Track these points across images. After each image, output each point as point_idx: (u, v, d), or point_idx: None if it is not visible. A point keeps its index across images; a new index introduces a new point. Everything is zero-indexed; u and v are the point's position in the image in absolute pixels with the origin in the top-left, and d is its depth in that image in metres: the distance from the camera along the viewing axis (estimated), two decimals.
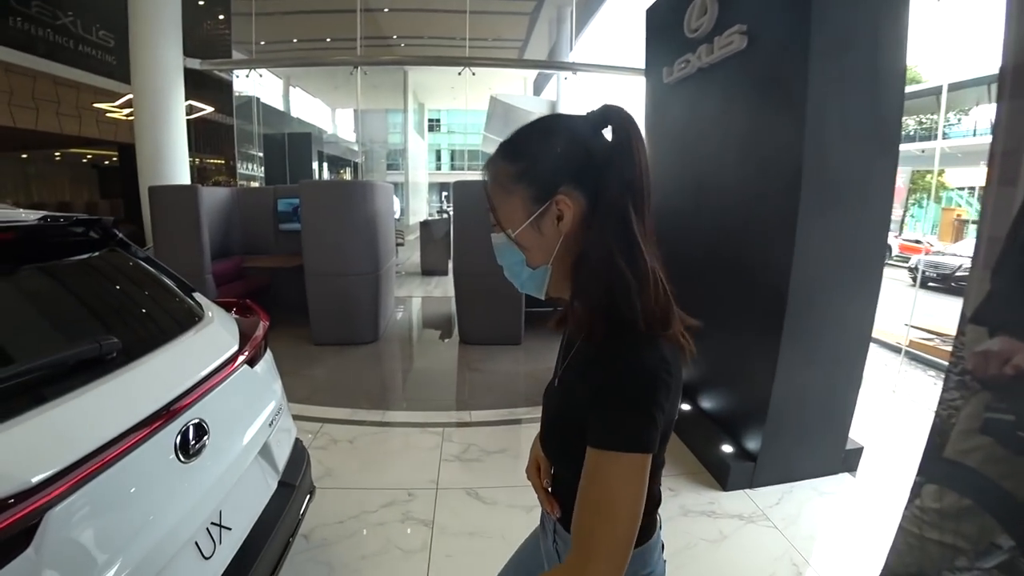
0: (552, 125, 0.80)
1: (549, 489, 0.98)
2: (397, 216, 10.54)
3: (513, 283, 0.88)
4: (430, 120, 30.06)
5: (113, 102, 10.10)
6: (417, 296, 7.60)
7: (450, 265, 8.94)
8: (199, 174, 14.29)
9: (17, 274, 1.44)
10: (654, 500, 0.87)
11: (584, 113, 0.79)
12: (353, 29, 11.68)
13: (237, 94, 12.39)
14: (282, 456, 1.88)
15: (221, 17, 12.11)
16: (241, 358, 1.68)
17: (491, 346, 5.11)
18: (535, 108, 15.29)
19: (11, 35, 8.47)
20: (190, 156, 13.45)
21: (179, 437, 1.32)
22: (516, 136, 0.81)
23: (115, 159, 13.07)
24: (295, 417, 3.67)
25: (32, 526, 0.96)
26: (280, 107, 15.98)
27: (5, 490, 0.94)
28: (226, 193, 6.18)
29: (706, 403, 3.33)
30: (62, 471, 1.02)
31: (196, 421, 1.39)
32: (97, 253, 1.69)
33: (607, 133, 0.77)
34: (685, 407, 3.31)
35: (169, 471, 1.29)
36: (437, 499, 2.72)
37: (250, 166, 13.72)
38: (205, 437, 1.40)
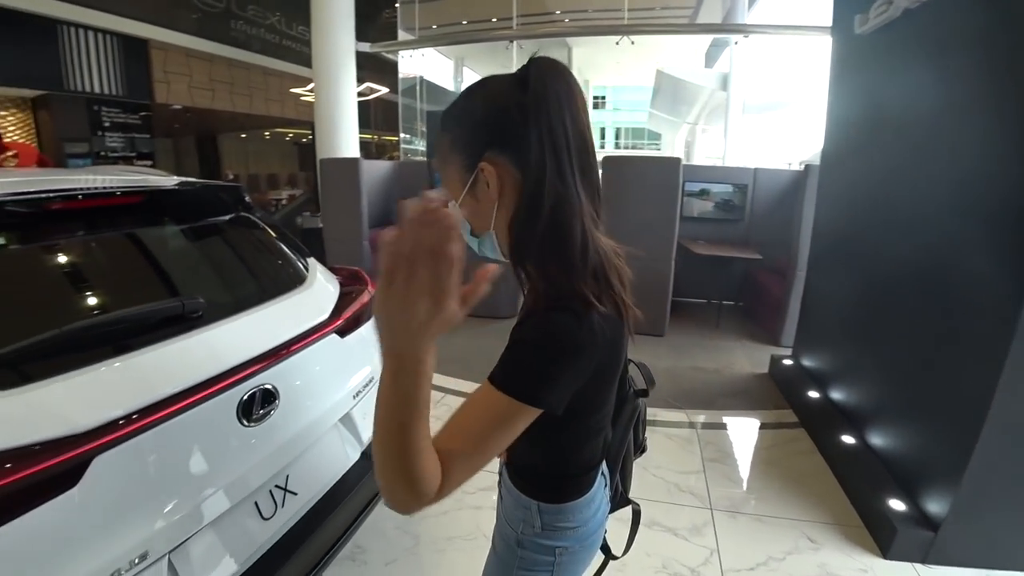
0: (474, 89, 0.78)
1: None
2: None
3: (472, 249, 0.82)
4: (595, 97, 29.32)
5: (305, 87, 11.35)
6: None
7: None
8: (377, 149, 15.62)
9: (140, 235, 1.57)
10: (584, 465, 0.90)
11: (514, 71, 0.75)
12: (517, 7, 11.79)
13: (403, 76, 13.26)
14: (368, 428, 1.89)
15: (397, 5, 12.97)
16: (330, 327, 1.68)
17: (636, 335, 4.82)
18: (705, 81, 14.07)
19: (233, 36, 10.46)
20: (369, 133, 14.72)
21: (244, 400, 1.34)
22: (450, 105, 0.80)
23: (309, 137, 14.83)
24: None
25: (79, 467, 1.03)
26: (447, 87, 16.68)
27: (58, 431, 1.02)
28: (387, 166, 6.60)
29: (876, 438, 2.66)
30: (112, 421, 1.08)
31: (266, 386, 1.40)
32: (226, 217, 1.81)
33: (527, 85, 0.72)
34: (848, 439, 2.76)
35: (228, 433, 1.32)
36: None
37: (417, 141, 14.64)
38: (274, 402, 1.42)
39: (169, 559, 1.20)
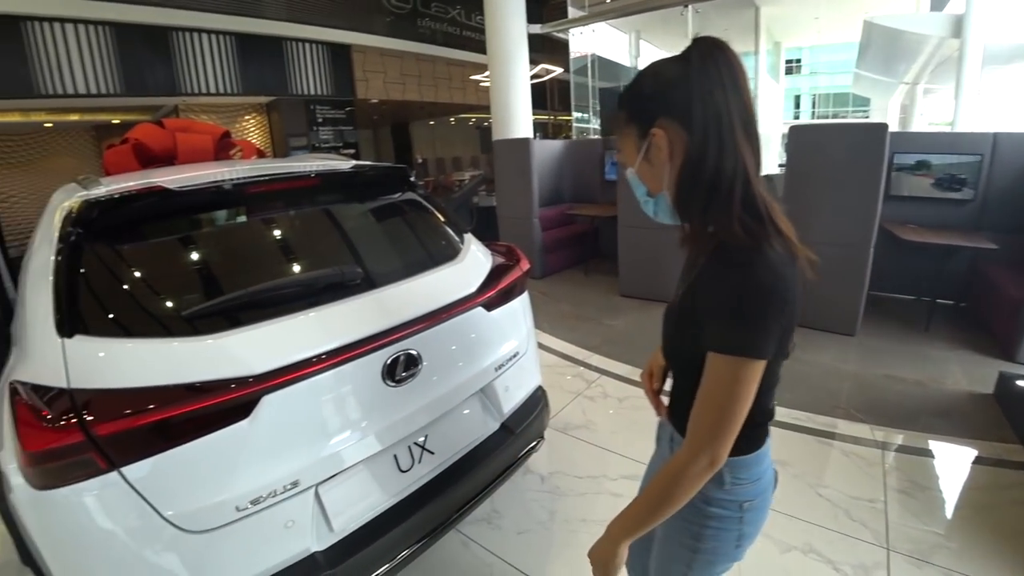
0: (645, 71, 0.91)
1: (660, 395, 1.17)
2: None
3: (647, 214, 1.00)
4: (788, 61, 26.06)
5: (483, 73, 11.89)
6: None
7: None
8: (552, 129, 15.83)
9: (316, 211, 1.79)
10: (767, 412, 0.96)
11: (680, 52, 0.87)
12: None
13: (575, 54, 13.10)
14: (509, 401, 1.90)
15: None
16: (475, 301, 1.72)
17: (818, 332, 4.10)
18: (929, 28, 11.53)
19: (420, 32, 11.49)
20: (545, 114, 14.98)
21: (389, 362, 1.46)
22: (626, 87, 0.94)
23: (490, 121, 15.64)
24: (580, 363, 3.80)
25: (252, 403, 1.24)
26: (623, 62, 16.15)
27: (238, 372, 1.23)
28: (559, 145, 6.60)
29: None
30: (280, 368, 1.27)
31: (410, 351, 1.50)
32: (392, 197, 1.94)
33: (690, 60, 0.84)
34: None
35: (375, 390, 1.45)
36: None
37: (589, 119, 14.46)
38: (417, 367, 1.52)
39: (316, 491, 1.38)
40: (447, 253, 1.87)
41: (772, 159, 21.41)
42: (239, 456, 1.24)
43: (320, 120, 10.56)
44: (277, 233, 1.72)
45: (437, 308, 1.60)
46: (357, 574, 1.42)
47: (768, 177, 8.19)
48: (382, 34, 10.85)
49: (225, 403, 1.21)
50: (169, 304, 1.39)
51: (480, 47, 12.12)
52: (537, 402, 2.06)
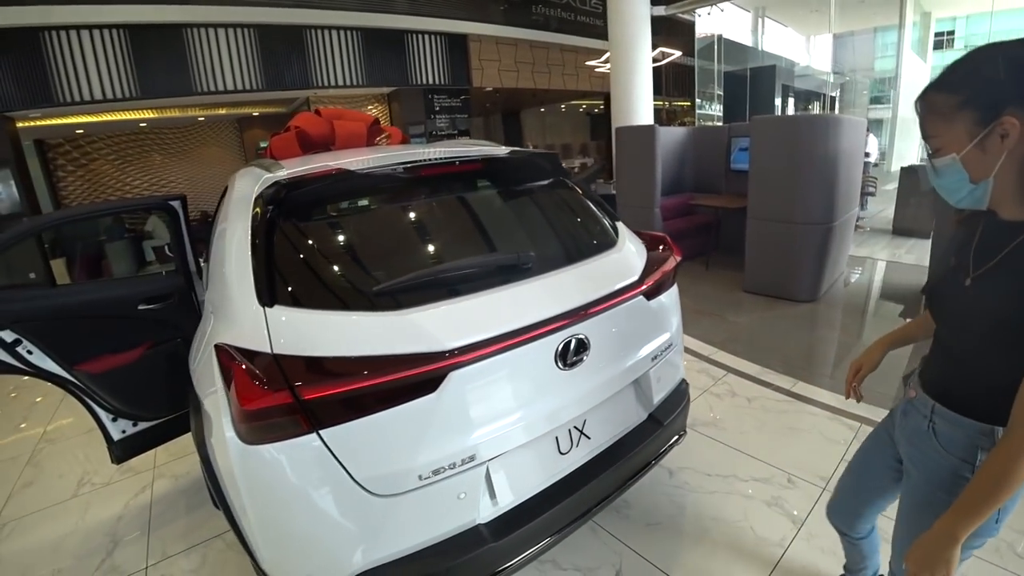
0: (989, 54, 0.90)
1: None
2: (874, 160, 8.82)
3: (948, 200, 1.02)
4: (939, 34, 22.99)
5: (599, 58, 11.67)
6: (880, 259, 6.25)
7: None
8: (668, 117, 15.28)
9: (482, 195, 1.87)
10: None
11: (1018, 39, 0.87)
12: None
13: (700, 35, 12.45)
14: (659, 392, 1.90)
15: None
16: (637, 290, 1.72)
17: None
18: None
19: (534, 19, 11.54)
20: (660, 99, 14.47)
21: (561, 347, 1.51)
22: (951, 70, 0.94)
23: (601, 107, 15.42)
24: (704, 359, 3.69)
25: (440, 377, 1.32)
26: (746, 42, 15.18)
27: (430, 347, 1.31)
28: (682, 132, 6.38)
29: None
30: (467, 346, 1.34)
31: (581, 336, 1.54)
32: (546, 182, 1.98)
33: None
34: None
35: (547, 372, 1.51)
36: (820, 499, 2.28)
37: (712, 107, 13.74)
38: (584, 352, 1.55)
39: (487, 467, 1.46)
40: (607, 241, 1.88)
41: (913, 148, 19.32)
42: (425, 428, 1.33)
43: (437, 108, 10.97)
44: (448, 215, 1.80)
45: (605, 295, 1.62)
46: (514, 549, 1.48)
47: (910, 168, 7.41)
48: (497, 22, 11.03)
49: (417, 376, 1.29)
50: (358, 279, 1.51)
51: (594, 32, 12.00)
52: (682, 396, 2.04)
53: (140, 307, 2.24)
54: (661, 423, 1.85)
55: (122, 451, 2.33)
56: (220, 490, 1.45)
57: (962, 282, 1.03)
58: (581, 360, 1.56)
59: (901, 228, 7.30)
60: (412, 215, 1.75)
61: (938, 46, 24.95)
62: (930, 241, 6.78)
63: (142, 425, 2.36)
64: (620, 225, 2.01)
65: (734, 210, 5.43)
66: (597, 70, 12.29)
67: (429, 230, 1.73)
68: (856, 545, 1.60)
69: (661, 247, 2.04)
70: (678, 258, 1.98)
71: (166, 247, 2.86)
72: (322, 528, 1.30)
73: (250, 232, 1.49)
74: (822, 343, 4.01)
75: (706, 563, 2.01)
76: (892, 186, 10.45)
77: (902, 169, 7.41)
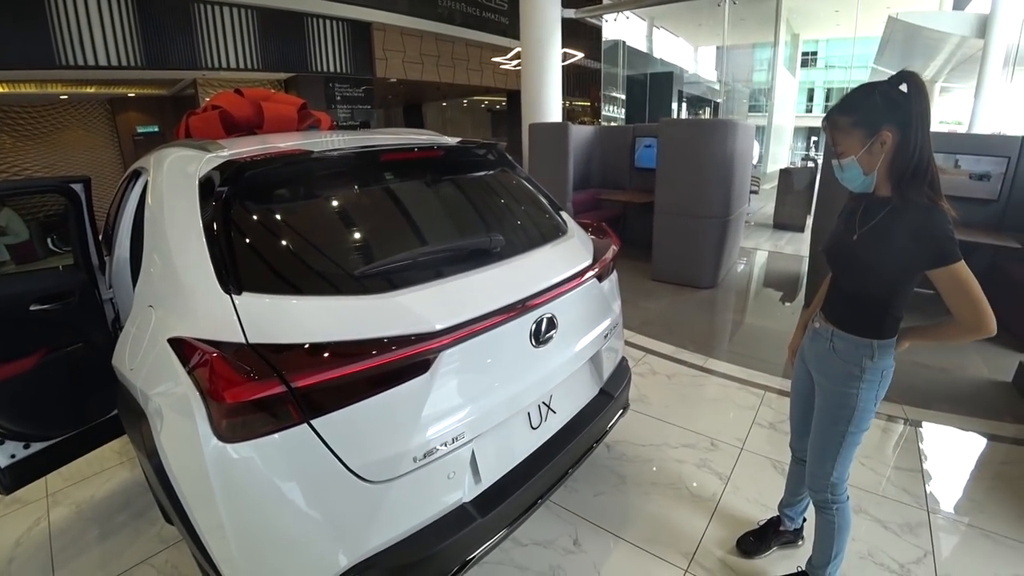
0: (869, 90, 1.35)
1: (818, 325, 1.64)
2: (755, 161, 9.75)
3: (848, 186, 1.48)
4: (804, 54, 25.75)
5: (504, 55, 11.85)
6: (764, 250, 6.99)
7: (809, 221, 7.95)
8: (568, 116, 15.82)
9: (440, 182, 1.88)
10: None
11: (887, 79, 1.34)
12: None
13: (605, 40, 13.07)
14: (608, 368, 2.04)
15: None
16: (591, 272, 1.83)
17: None
18: (953, 27, 11.64)
19: (438, 12, 11.43)
20: (562, 99, 14.97)
21: (535, 325, 1.58)
22: (848, 100, 1.40)
23: (503, 104, 15.60)
24: (625, 342, 3.93)
25: (431, 359, 1.33)
26: (644, 49, 16.11)
27: (419, 328, 1.31)
28: (590, 131, 6.68)
29: None
30: (455, 326, 1.36)
31: (550, 315, 1.62)
32: (492, 172, 2.03)
33: (903, 87, 1.31)
34: None
35: (522, 350, 1.58)
36: (739, 459, 2.57)
37: (612, 108, 14.44)
38: (553, 331, 1.64)
39: (473, 446, 1.47)
40: (559, 227, 1.97)
41: (784, 152, 21.51)
42: (418, 410, 1.33)
43: (338, 98, 10.48)
44: (412, 201, 1.77)
45: (567, 276, 1.70)
46: (497, 524, 1.52)
47: (787, 171, 8.32)
48: (403, 12, 10.78)
49: (409, 359, 1.28)
50: (337, 263, 1.43)
51: (498, 28, 12.13)
52: (625, 372, 2.19)
53: (33, 308, 1.95)
54: (612, 396, 1.98)
55: (12, 479, 1.97)
56: (177, 501, 1.30)
57: (851, 239, 1.47)
58: (551, 338, 1.64)
59: (780, 222, 8.18)
60: (378, 200, 1.72)
61: (804, 64, 27.91)
62: (804, 234, 7.68)
63: (36, 447, 2.01)
64: (564, 214, 2.12)
65: (639, 205, 5.79)
66: (502, 67, 12.44)
67: (396, 215, 1.71)
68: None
69: (600, 235, 2.18)
70: (617, 246, 2.10)
71: (50, 239, 2.46)
72: (310, 525, 1.22)
73: (200, 216, 1.38)
74: (724, 323, 4.47)
75: (653, 522, 2.18)
76: (770, 185, 11.65)
77: (781, 171, 8.27)
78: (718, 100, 18.31)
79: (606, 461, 2.58)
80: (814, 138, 21.64)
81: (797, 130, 24.64)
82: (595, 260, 1.88)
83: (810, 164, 8.49)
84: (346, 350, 1.23)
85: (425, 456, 1.33)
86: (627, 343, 3.91)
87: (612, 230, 2.24)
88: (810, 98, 31.61)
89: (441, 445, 1.36)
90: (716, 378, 3.37)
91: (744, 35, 17.43)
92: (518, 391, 1.56)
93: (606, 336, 1.95)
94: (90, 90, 9.52)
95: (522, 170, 2.17)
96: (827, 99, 31.82)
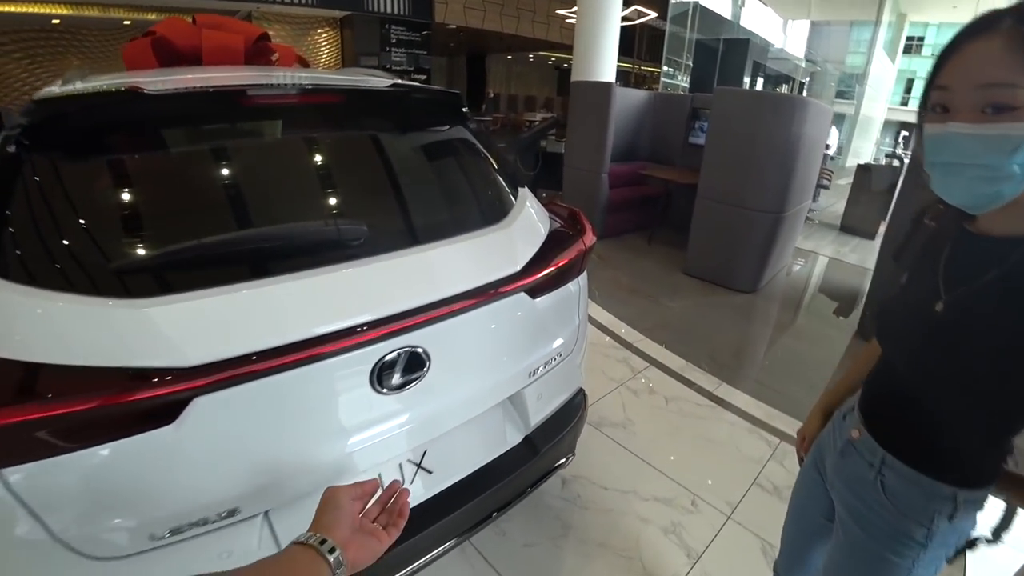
0: None
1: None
2: (831, 153, 8.65)
3: (971, 190, 0.69)
4: (909, 38, 22.97)
5: (568, 8, 10.95)
6: (824, 255, 6.11)
7: (882, 228, 6.96)
8: (636, 80, 14.75)
9: (345, 137, 1.33)
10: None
11: None
12: None
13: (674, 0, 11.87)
14: (541, 411, 1.47)
15: None
16: (516, 285, 1.25)
17: None
18: None
19: None
20: (630, 62, 13.84)
21: (383, 362, 1.05)
22: None
23: (570, 63, 14.72)
24: (628, 347, 3.35)
25: (180, 404, 0.87)
26: (724, 14, 14.66)
27: (169, 360, 0.86)
28: (642, 96, 5.92)
29: None
30: (225, 360, 0.89)
31: (416, 349, 1.08)
32: (442, 129, 1.49)
33: None
34: None
35: (358, 396, 1.05)
36: (721, 531, 1.99)
37: (680, 75, 13.26)
38: (422, 370, 1.10)
39: (267, 516, 1.04)
40: (493, 212, 1.39)
41: (869, 147, 19.54)
42: (158, 471, 0.89)
43: (394, 41, 10.08)
44: (271, 164, 1.24)
45: (464, 291, 1.14)
46: None
47: (866, 167, 7.27)
48: None
49: (144, 401, 0.84)
50: (94, 250, 0.96)
51: None
52: (575, 412, 1.63)
53: None
54: (538, 450, 1.44)
55: None
56: None
57: (930, 305, 0.81)
58: (416, 380, 1.11)
59: (848, 225, 7.19)
60: (213, 161, 1.17)
61: (907, 50, 25.05)
62: (874, 242, 6.72)
63: None
64: (524, 194, 1.51)
65: (685, 186, 5.08)
66: (567, 20, 11.59)
67: (229, 185, 1.16)
68: None
69: (571, 225, 1.56)
70: (588, 242, 1.50)
71: None
72: None
73: None
74: (754, 340, 3.73)
75: None
76: (845, 182, 10.44)
77: (859, 166, 7.24)
78: (803, 80, 16.63)
79: (554, 501, 2.06)
80: (904, 134, 19.21)
81: (887, 124, 22.15)
82: (529, 267, 1.29)
83: (895, 163, 7.36)
84: (54, 379, 0.82)
85: (171, 534, 0.91)
86: (631, 348, 3.32)
87: (589, 221, 1.61)
88: (908, 89, 27.89)
89: (198, 522, 0.93)
90: (725, 412, 2.74)
91: (842, 10, 15.67)
92: (351, 451, 1.07)
93: (534, 373, 1.38)
94: (151, 16, 9.44)
95: (481, 129, 1.58)
96: None
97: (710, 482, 2.21)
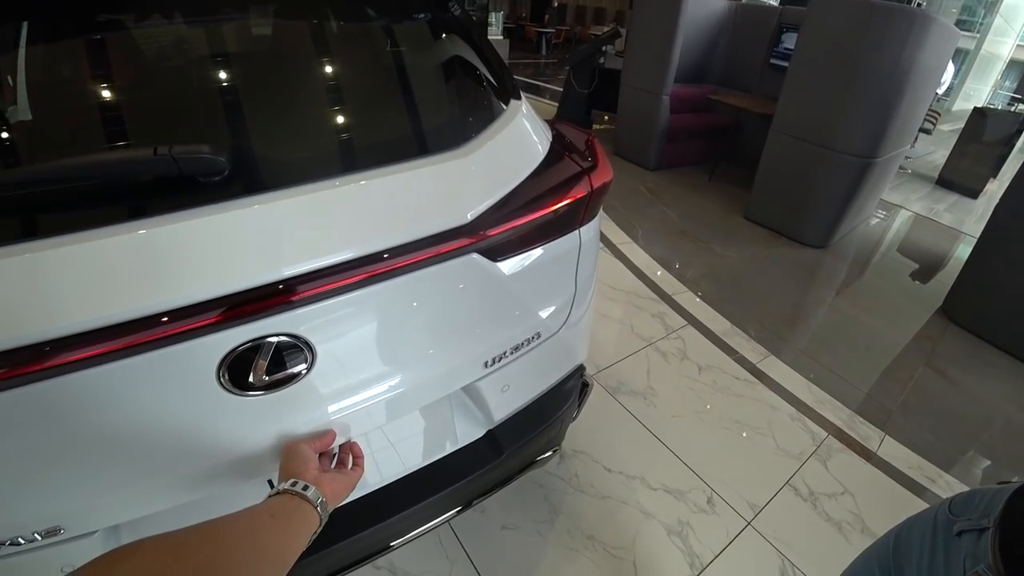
0: None
1: None
2: (940, 91, 7.49)
3: None
4: None
5: None
6: (911, 211, 5.31)
7: (990, 187, 6.03)
8: None
9: (243, 28, 0.89)
10: None
11: None
12: None
13: None
14: (510, 403, 1.12)
15: None
16: (468, 242, 0.84)
17: (1000, 352, 2.92)
18: None
19: None
20: None
21: (232, 354, 0.70)
22: None
23: None
24: (666, 299, 2.94)
25: None
26: None
27: None
28: (720, 6, 5.06)
29: None
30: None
31: (293, 338, 0.73)
32: (413, 16, 1.05)
33: None
34: None
35: (200, 401, 0.72)
36: (738, 539, 1.67)
37: None
38: (308, 362, 0.75)
39: (118, 529, 0.81)
40: (449, 135, 0.93)
41: (985, 90, 17.07)
42: None
43: None
44: (134, 64, 0.79)
45: (378, 251, 0.75)
46: None
47: (981, 111, 6.22)
48: None
49: None
50: None
51: None
52: (564, 398, 1.26)
53: None
54: (502, 450, 1.10)
55: None
56: None
57: None
58: (297, 378, 0.75)
59: (948, 179, 6.25)
60: (67, 52, 0.76)
61: None
62: (976, 201, 5.84)
63: None
64: (511, 112, 1.03)
65: (760, 116, 4.40)
66: None
67: (73, 92, 0.74)
68: None
69: (577, 156, 1.09)
70: (598, 182, 1.03)
71: None
72: None
73: None
74: (814, 308, 3.22)
75: None
76: (949, 127, 9.17)
77: (974, 110, 6.20)
78: (920, 1, 14.44)
79: (548, 478, 1.78)
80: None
81: (1012, 64, 19.17)
82: (493, 215, 0.86)
83: (1018, 110, 6.25)
84: None
85: None
86: (670, 302, 2.91)
87: (604, 155, 1.12)
88: None
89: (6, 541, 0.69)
90: (767, 391, 2.34)
91: None
92: (202, 470, 0.76)
93: (495, 361, 1.00)
94: None
95: (462, 15, 1.10)
96: None
97: (734, 476, 1.87)
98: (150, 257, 0.62)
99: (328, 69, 0.91)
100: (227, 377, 0.69)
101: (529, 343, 1.04)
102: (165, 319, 0.62)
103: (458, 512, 1.15)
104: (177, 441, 0.71)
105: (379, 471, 1.00)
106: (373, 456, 0.99)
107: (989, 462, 2.18)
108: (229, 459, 0.75)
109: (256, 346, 0.70)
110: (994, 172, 6.15)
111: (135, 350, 0.62)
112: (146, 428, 0.69)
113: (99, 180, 0.68)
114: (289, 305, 0.69)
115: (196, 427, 0.72)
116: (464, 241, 0.82)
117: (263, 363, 0.70)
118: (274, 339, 0.71)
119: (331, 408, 0.81)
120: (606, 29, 9.97)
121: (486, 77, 1.05)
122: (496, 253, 0.90)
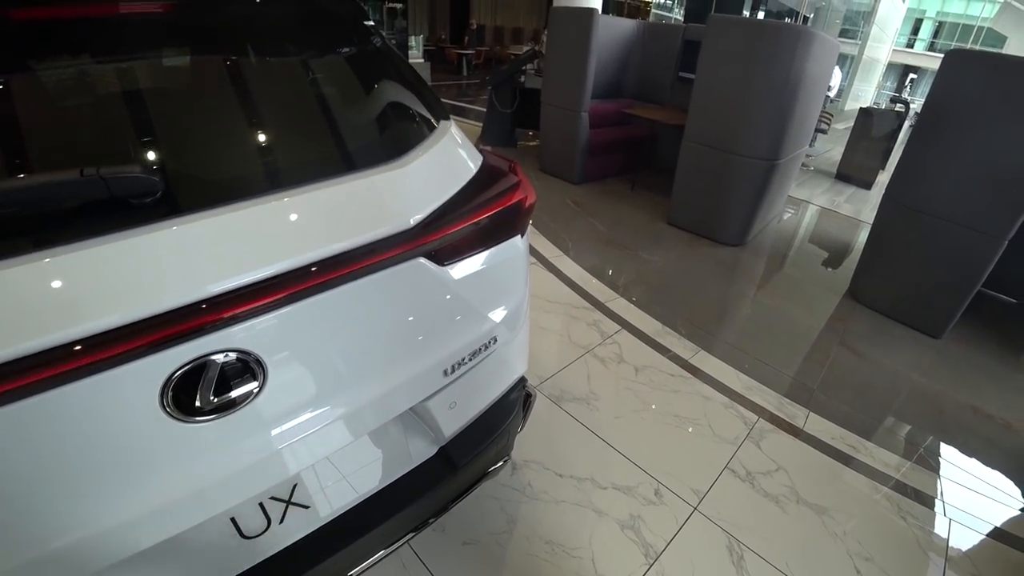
0: None
1: None
2: (831, 94, 8.18)
3: None
4: None
5: None
6: (816, 204, 5.77)
7: (880, 178, 6.62)
8: (628, 11, 13.82)
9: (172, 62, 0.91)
10: None
11: None
12: None
13: None
14: (459, 417, 1.17)
15: None
16: (413, 245, 0.89)
17: (900, 325, 3.28)
18: None
19: None
20: None
21: (174, 376, 0.70)
22: None
23: None
24: (600, 307, 3.06)
25: None
26: None
27: None
28: (629, 26, 5.37)
29: None
30: None
31: (235, 354, 0.73)
32: (338, 49, 1.11)
33: None
34: None
35: (143, 430, 0.71)
36: (686, 525, 1.77)
37: (675, 8, 12.43)
38: (256, 380, 0.76)
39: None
40: (383, 150, 1.00)
41: (871, 90, 18.78)
42: None
43: None
44: (61, 94, 0.80)
45: (324, 258, 0.79)
46: None
47: (867, 111, 6.85)
48: None
49: None
50: None
51: None
52: (509, 409, 1.32)
53: None
54: (456, 466, 1.15)
55: None
56: None
57: None
58: (246, 400, 0.76)
59: (845, 173, 6.84)
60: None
61: None
62: (870, 192, 6.40)
63: None
64: (441, 130, 1.10)
65: (674, 127, 4.67)
66: None
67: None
68: None
69: (502, 179, 1.14)
70: (526, 201, 1.13)
71: None
72: None
73: None
74: (736, 302, 3.44)
75: None
76: (843, 126, 9.98)
77: (860, 110, 6.81)
78: (807, 15, 15.72)
79: (502, 490, 1.82)
80: (913, 76, 18.33)
81: (891, 66, 21.30)
82: (435, 221, 0.93)
83: (898, 108, 6.93)
84: None
85: None
86: (603, 309, 3.03)
87: (524, 175, 1.19)
88: (915, 30, 26.77)
89: None
90: (700, 383, 2.49)
91: None
92: (160, 504, 0.74)
93: (453, 369, 1.05)
94: None
95: (386, 52, 1.15)
96: (936, 34, 27.11)
97: (677, 467, 1.98)
98: (72, 282, 0.63)
99: (260, 97, 0.95)
100: (171, 402, 0.69)
101: (487, 348, 1.10)
102: (78, 347, 0.61)
103: (416, 531, 1.18)
104: (123, 477, 0.70)
105: (329, 502, 1.01)
106: (322, 487, 1.00)
107: (904, 425, 2.40)
108: (183, 494, 0.75)
109: (201, 367, 0.71)
110: (883, 164, 6.76)
111: (55, 381, 0.61)
112: (82, 465, 0.67)
113: (24, 206, 0.68)
114: (226, 321, 0.70)
115: (142, 461, 0.71)
116: (409, 245, 0.88)
117: (210, 381, 0.71)
118: (218, 357, 0.72)
119: (288, 426, 0.83)
120: (525, 49, 10.22)
121: (412, 100, 1.12)
122: (442, 257, 0.96)
